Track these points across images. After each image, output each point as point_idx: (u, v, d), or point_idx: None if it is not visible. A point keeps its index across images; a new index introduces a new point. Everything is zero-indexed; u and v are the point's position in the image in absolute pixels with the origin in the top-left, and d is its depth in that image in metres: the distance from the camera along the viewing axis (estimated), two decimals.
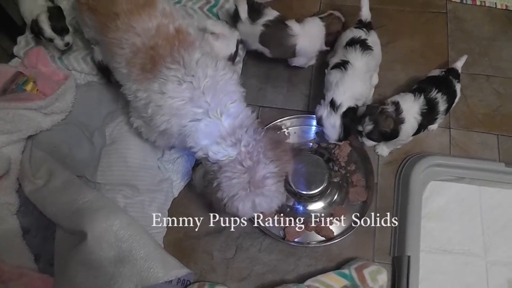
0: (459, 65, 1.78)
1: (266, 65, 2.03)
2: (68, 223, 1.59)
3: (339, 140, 1.66)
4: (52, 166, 1.73)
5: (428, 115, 1.63)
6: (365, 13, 1.75)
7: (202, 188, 1.50)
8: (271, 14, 1.82)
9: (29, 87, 1.81)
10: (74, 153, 1.79)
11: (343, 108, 1.58)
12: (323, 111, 1.61)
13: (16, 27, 2.14)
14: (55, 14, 1.86)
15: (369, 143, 1.66)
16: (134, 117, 1.65)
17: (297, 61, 1.92)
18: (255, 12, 1.81)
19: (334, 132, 1.62)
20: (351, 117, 1.60)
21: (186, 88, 1.39)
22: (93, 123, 1.87)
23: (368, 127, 1.59)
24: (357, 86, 1.63)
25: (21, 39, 2.07)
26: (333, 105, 1.59)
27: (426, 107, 1.61)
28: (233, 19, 1.89)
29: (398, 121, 1.58)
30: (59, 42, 1.89)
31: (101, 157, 1.79)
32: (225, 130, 1.38)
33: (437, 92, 1.63)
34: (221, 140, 1.37)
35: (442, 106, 1.65)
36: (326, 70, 1.72)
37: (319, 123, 1.65)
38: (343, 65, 1.64)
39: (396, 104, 1.60)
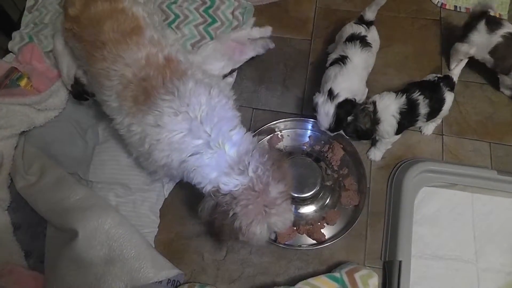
0: (456, 72, 1.78)
1: (260, 68, 2.04)
2: (60, 220, 1.58)
3: (330, 129, 1.65)
4: (44, 162, 1.72)
5: (408, 115, 1.64)
6: (368, 15, 1.75)
7: (209, 219, 1.44)
8: (510, 27, 1.80)
9: (23, 83, 1.80)
10: (67, 150, 1.78)
11: (340, 98, 1.59)
12: (320, 98, 1.62)
13: (12, 22, 2.13)
14: None
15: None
16: (131, 149, 1.59)
17: (506, 80, 1.90)
18: (494, 22, 1.79)
19: (326, 120, 1.62)
20: (347, 110, 1.61)
21: (183, 119, 1.36)
22: (86, 121, 1.87)
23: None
24: (354, 81, 1.65)
25: (16, 35, 2.05)
26: (330, 94, 1.60)
27: (405, 107, 1.62)
28: (468, 27, 1.84)
29: (375, 121, 1.62)
30: None
31: (93, 155, 1.78)
32: (232, 159, 1.35)
33: (419, 94, 1.64)
34: (230, 170, 1.34)
35: (423, 109, 1.65)
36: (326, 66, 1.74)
37: (314, 109, 1.66)
38: (342, 60, 1.66)
39: (374, 104, 1.63)
